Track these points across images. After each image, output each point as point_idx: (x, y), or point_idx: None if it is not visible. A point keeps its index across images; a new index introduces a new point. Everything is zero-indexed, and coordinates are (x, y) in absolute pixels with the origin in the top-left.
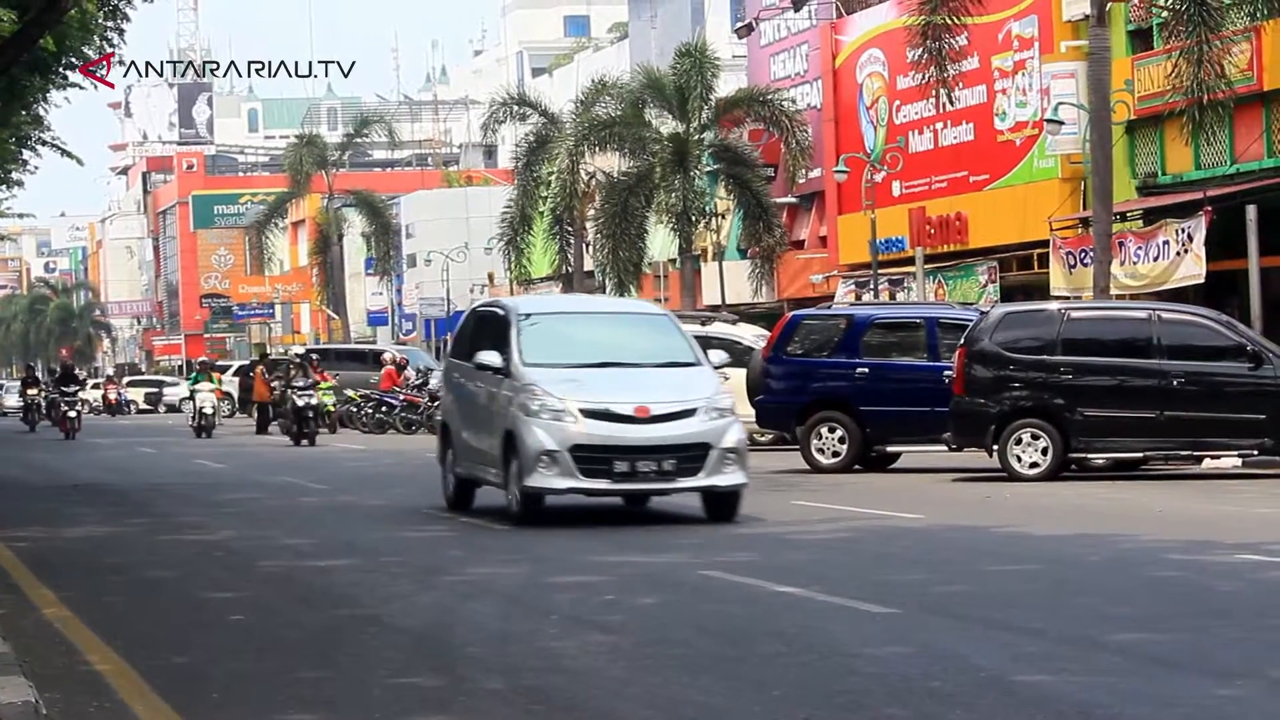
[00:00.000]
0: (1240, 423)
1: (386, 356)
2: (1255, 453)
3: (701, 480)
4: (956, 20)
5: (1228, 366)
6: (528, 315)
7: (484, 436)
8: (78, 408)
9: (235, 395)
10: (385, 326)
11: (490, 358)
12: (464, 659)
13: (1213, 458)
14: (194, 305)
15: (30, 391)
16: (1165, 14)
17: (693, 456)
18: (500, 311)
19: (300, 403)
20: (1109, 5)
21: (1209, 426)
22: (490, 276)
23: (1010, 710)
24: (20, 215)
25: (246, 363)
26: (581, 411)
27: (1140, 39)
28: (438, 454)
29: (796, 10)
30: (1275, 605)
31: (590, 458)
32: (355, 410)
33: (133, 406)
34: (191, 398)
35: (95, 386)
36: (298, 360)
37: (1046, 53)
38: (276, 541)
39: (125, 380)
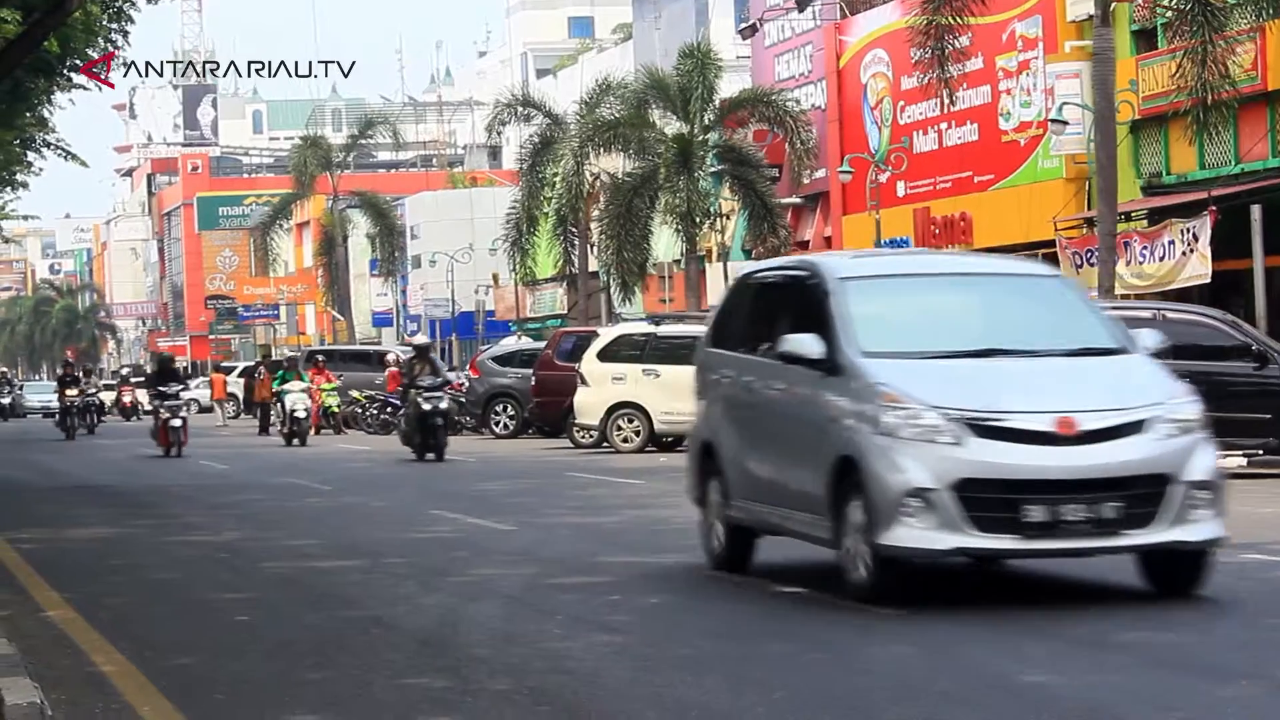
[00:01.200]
0: (1245, 422)
1: (391, 358)
2: (1260, 452)
3: (1160, 534)
4: (960, 20)
5: (1233, 366)
6: (854, 279)
7: (790, 465)
8: (183, 414)
9: (240, 396)
10: (390, 328)
11: (805, 345)
12: (469, 660)
13: (1218, 457)
14: (199, 307)
15: (69, 392)
16: (1169, 14)
17: (1144, 495)
18: (806, 275)
19: (426, 406)
20: (1113, 5)
21: (1214, 426)
22: (495, 277)
23: (1015, 711)
24: (25, 217)
25: (252, 364)
26: (970, 426)
27: (1144, 39)
28: (690, 489)
29: (800, 11)
30: (1279, 605)
31: (987, 500)
32: (360, 411)
33: (139, 408)
34: (279, 400)
35: (109, 388)
36: (418, 353)
37: (1051, 53)
38: (281, 543)
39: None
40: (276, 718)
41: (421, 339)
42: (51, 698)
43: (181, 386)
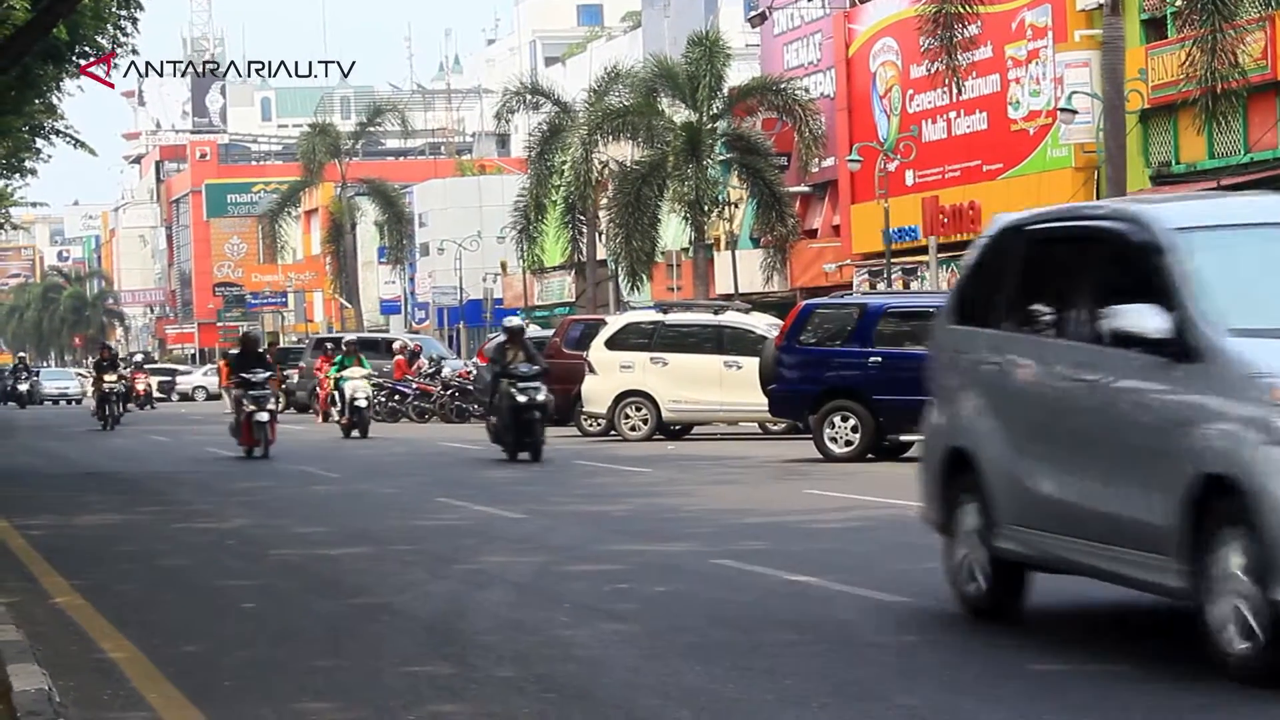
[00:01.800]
0: None
1: (398, 345)
2: None
3: None
4: (969, 9)
5: None
6: (1196, 230)
7: (1110, 483)
8: (270, 405)
9: (90, 383)
10: (398, 315)
11: (1142, 319)
12: (476, 647)
13: None
14: (207, 294)
15: (108, 378)
16: (1179, 3)
17: None
18: (1121, 226)
19: (521, 399)
20: None
21: None
22: (503, 265)
23: (1023, 699)
24: (34, 204)
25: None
26: None
27: (1154, 28)
28: (929, 511)
29: None
30: None
31: None
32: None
33: (152, 395)
34: (337, 388)
35: (121, 377)
36: (510, 336)
37: (1060, 42)
38: (289, 530)
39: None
40: (284, 705)
41: (515, 321)
42: (59, 685)
43: (269, 373)
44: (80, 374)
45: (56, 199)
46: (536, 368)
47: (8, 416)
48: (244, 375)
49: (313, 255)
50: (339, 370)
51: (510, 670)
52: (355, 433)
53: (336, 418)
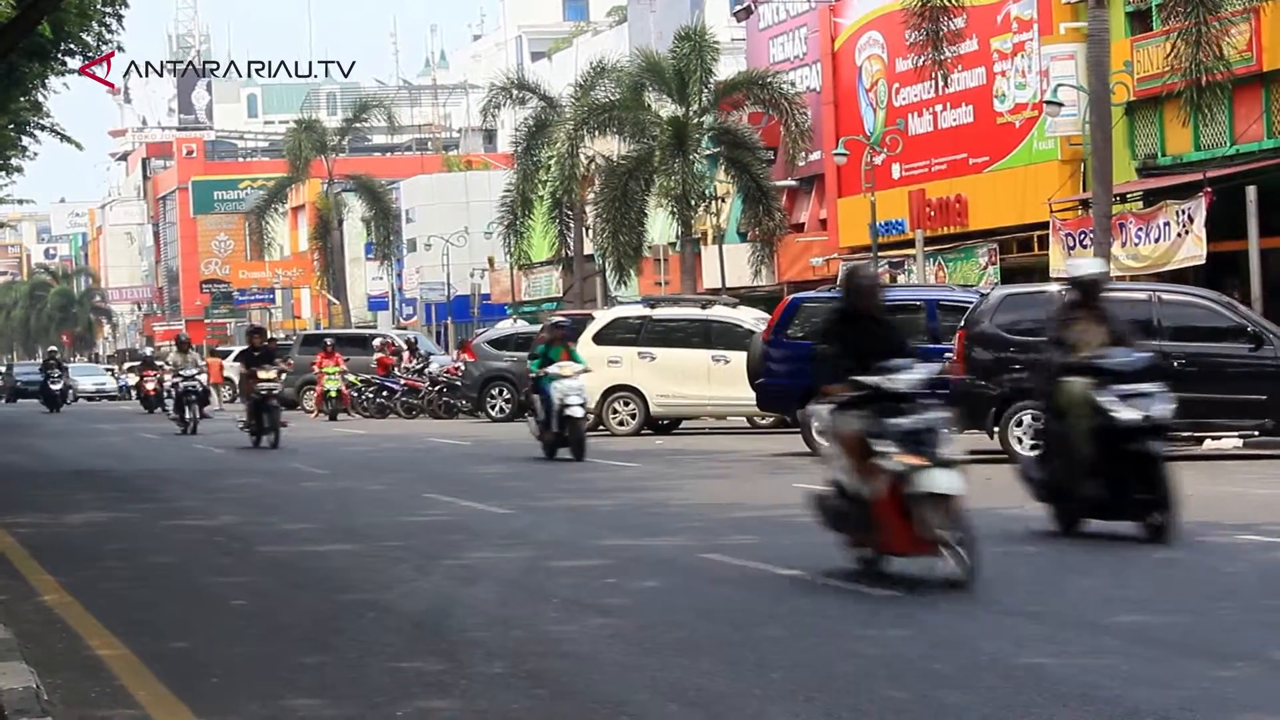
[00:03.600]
0: (1241, 403)
1: (377, 342)
2: (1256, 433)
3: None
4: (955, 2)
5: (1228, 347)
6: None
7: None
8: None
9: (237, 381)
10: (385, 311)
11: None
12: (465, 643)
13: (1214, 438)
14: (194, 291)
15: (264, 376)
16: None
17: None
18: None
19: (1123, 415)
20: None
21: (1210, 407)
22: (490, 261)
23: (1010, 693)
24: (20, 201)
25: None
26: None
27: (1139, 20)
28: None
29: None
30: (1276, 586)
31: None
32: (356, 395)
33: (134, 394)
34: (538, 390)
35: (132, 370)
36: (1088, 292)
37: (1045, 34)
38: (277, 527)
39: (125, 366)
40: (272, 701)
41: (1093, 265)
42: (47, 682)
43: (923, 378)
44: (111, 370)
45: (43, 196)
46: (1139, 356)
47: (57, 426)
48: (875, 383)
49: (300, 252)
50: (541, 365)
51: (499, 666)
52: (565, 451)
53: (536, 430)
